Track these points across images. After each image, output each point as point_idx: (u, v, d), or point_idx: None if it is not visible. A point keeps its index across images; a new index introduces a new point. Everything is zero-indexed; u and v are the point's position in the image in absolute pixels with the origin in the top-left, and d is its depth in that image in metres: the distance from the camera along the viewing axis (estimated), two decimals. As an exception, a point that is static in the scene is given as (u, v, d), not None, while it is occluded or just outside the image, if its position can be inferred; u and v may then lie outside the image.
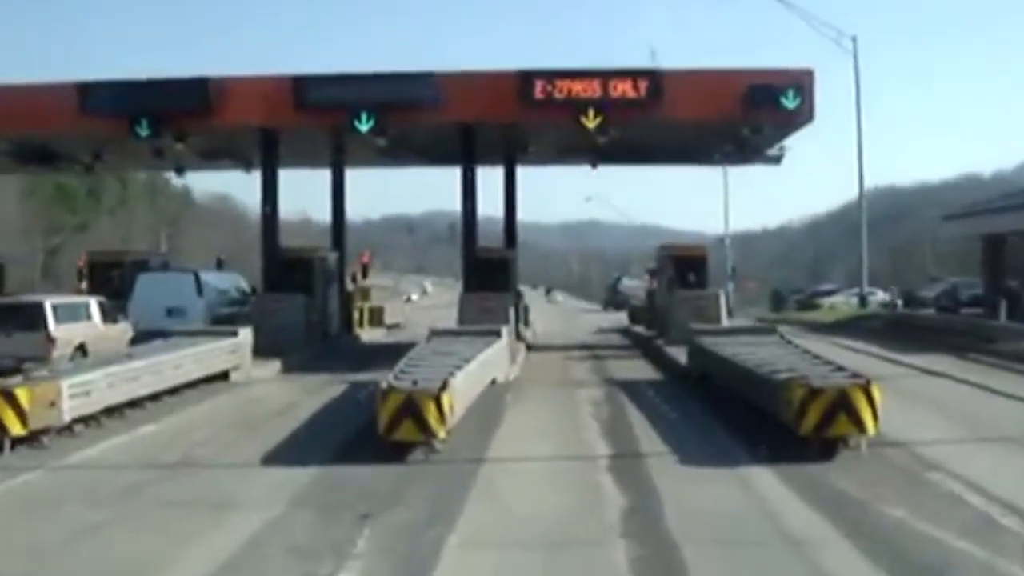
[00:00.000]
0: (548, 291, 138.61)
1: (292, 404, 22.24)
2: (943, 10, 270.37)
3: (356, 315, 45.70)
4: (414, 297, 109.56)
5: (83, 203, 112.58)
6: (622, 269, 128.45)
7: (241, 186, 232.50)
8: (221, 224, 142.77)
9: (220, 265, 45.80)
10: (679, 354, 28.27)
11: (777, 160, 37.71)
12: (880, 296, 77.49)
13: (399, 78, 31.36)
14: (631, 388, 24.46)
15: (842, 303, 71.37)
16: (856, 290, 78.97)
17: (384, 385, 16.40)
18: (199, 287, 35.50)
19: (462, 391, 17.99)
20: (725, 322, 32.80)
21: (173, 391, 22.70)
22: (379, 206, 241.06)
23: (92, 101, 31.29)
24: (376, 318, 47.17)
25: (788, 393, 16.19)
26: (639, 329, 43.02)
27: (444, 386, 16.25)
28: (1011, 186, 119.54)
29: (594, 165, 39.31)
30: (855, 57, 52.29)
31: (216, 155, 37.69)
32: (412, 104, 30.96)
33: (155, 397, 21.79)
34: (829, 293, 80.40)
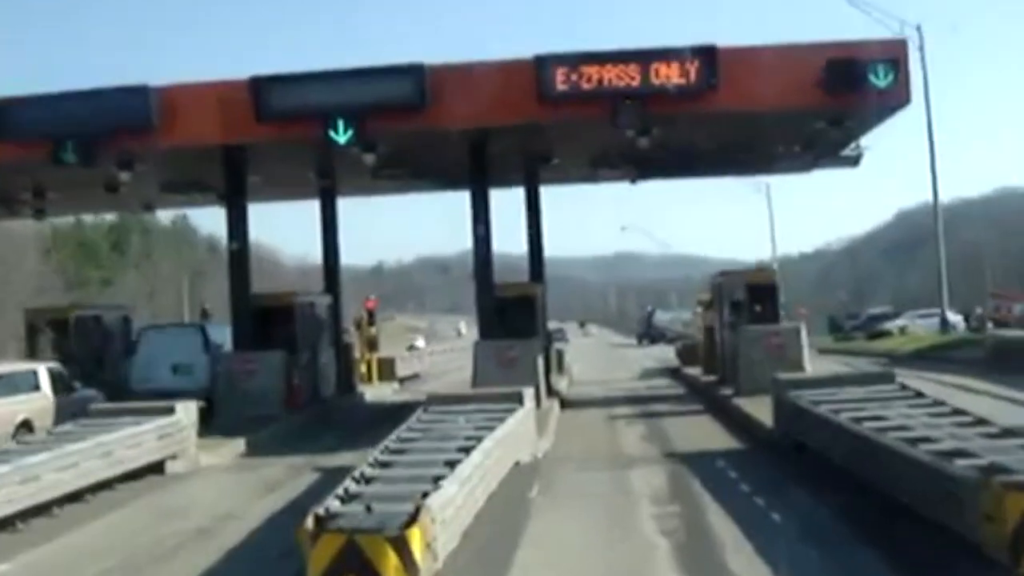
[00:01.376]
0: (582, 324, 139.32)
1: (227, 516, 15.57)
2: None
3: (363, 369, 39.23)
4: (419, 343, 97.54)
5: (107, 257, 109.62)
6: (658, 301, 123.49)
7: (272, 232, 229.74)
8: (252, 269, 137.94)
9: (205, 316, 39.48)
10: (757, 410, 21.59)
11: (855, 161, 30.91)
12: (953, 318, 70.28)
13: (380, 74, 24.77)
14: (704, 467, 17.60)
15: (912, 327, 64.15)
16: (922, 312, 72.05)
17: (315, 516, 9.79)
18: (206, 342, 29.69)
19: (456, 508, 11.39)
20: (808, 365, 25.96)
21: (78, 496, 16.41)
22: (413, 248, 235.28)
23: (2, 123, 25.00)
24: (386, 371, 40.53)
25: (990, 501, 9.52)
26: (693, 372, 36.18)
27: (415, 516, 9.64)
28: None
29: (634, 180, 32.63)
30: (922, 50, 45.23)
31: (180, 187, 31.34)
32: (399, 106, 24.44)
33: (47, 508, 15.49)
34: (887, 317, 72.64)
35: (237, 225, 28.04)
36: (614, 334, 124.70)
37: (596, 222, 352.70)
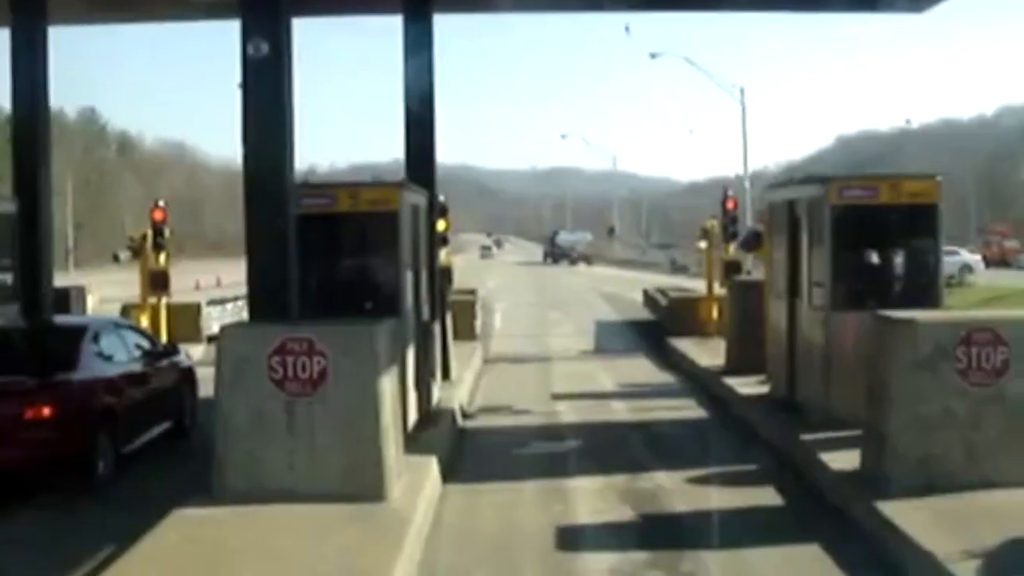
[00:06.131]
0: (490, 234, 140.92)
1: None
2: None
3: (143, 322, 22.78)
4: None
5: (1, 149, 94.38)
6: (597, 218, 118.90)
7: (201, 132, 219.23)
8: (169, 173, 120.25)
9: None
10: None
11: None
12: (968, 257, 55.01)
13: None
14: None
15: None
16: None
17: None
18: None
19: None
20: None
21: None
22: (347, 154, 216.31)
23: None
24: (186, 326, 23.70)
25: None
26: (693, 352, 20.31)
27: None
28: (995, 130, 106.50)
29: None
30: None
31: None
32: None
33: None
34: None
35: None
36: (538, 249, 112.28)
37: (537, 132, 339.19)
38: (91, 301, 33.04)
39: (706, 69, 62.28)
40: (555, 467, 12.26)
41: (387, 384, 9.98)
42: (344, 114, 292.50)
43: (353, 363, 9.68)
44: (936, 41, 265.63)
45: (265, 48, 10.46)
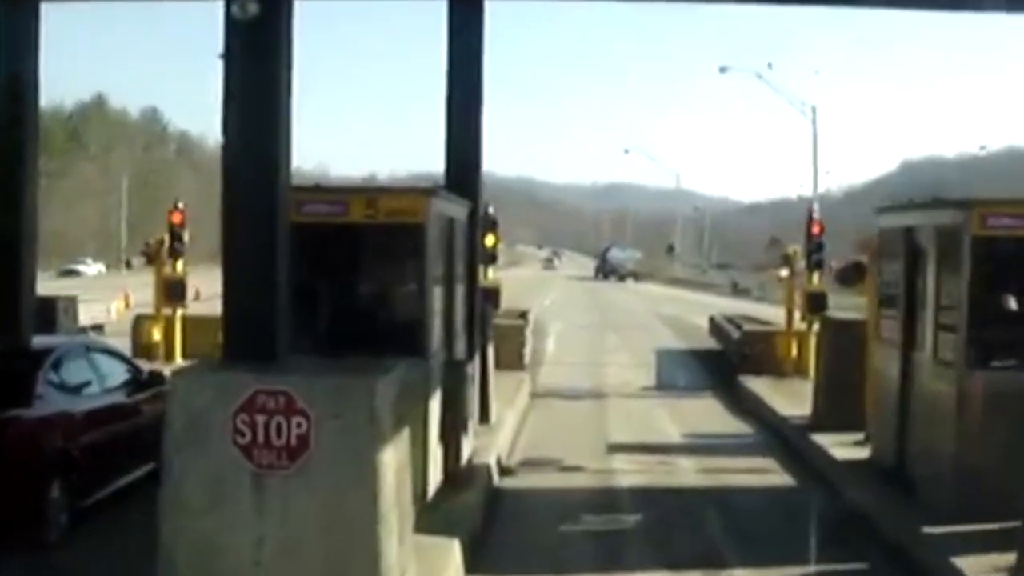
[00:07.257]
0: (556, 254, 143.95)
1: None
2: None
3: (155, 336, 20.59)
4: None
5: (62, 146, 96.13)
6: (657, 233, 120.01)
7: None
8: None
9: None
10: None
11: None
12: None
13: None
14: None
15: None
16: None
17: None
18: None
19: None
20: None
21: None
22: (409, 162, 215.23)
23: None
24: (206, 339, 21.41)
25: None
26: (771, 397, 17.72)
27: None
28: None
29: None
30: None
31: None
32: None
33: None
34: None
35: None
36: (591, 264, 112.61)
37: (599, 146, 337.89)
38: (115, 308, 31.06)
39: (776, 86, 59.69)
40: (610, 554, 9.67)
41: (390, 454, 7.46)
42: (411, 118, 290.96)
43: (344, 427, 7.16)
44: (1008, 66, 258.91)
45: (254, 8, 7.99)
